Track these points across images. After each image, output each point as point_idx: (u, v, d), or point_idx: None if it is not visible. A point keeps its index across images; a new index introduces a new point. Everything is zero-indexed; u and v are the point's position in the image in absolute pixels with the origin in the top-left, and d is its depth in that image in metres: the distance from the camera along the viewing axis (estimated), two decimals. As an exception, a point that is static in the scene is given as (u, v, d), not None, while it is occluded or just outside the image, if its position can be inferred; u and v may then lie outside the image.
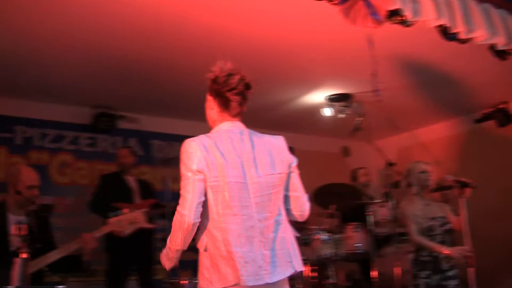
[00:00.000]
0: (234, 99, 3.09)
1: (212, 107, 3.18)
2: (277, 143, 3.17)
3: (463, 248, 5.18)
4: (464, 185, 5.29)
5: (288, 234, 3.07)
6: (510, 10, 5.21)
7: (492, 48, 5.29)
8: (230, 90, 3.08)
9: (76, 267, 4.74)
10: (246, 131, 3.14)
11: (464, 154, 8.81)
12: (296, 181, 3.18)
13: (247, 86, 3.12)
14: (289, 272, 3.01)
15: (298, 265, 3.04)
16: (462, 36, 4.79)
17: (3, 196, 4.57)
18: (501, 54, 5.41)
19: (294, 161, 3.18)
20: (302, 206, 3.20)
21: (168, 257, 3.21)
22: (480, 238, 8.00)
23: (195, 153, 2.94)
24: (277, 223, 3.03)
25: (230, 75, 3.10)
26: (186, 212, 2.91)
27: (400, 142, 9.53)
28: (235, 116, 3.15)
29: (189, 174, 2.94)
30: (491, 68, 6.43)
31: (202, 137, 3.03)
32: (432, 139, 9.28)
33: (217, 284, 2.89)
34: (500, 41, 5.02)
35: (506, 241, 8.11)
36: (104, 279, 6.57)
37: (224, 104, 3.12)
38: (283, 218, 3.08)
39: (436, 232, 5.40)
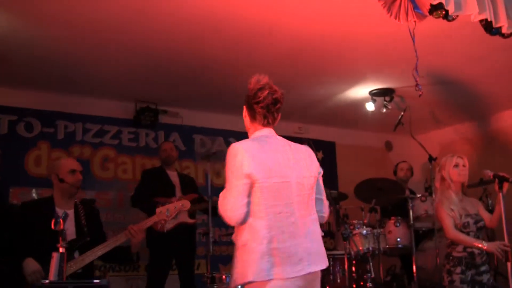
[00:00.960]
0: (260, 111, 3.26)
1: (245, 115, 3.38)
2: (308, 150, 3.37)
3: (502, 243, 5.15)
4: (503, 180, 5.25)
5: (320, 232, 3.25)
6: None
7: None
8: (257, 103, 3.25)
9: (126, 259, 4.83)
10: (280, 137, 3.31)
11: (506, 150, 8.70)
12: (322, 186, 3.40)
13: (275, 101, 3.26)
14: (322, 266, 3.17)
15: (326, 261, 3.22)
16: (505, 30, 4.73)
17: (50, 191, 4.67)
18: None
19: (320, 168, 3.38)
20: (326, 208, 3.41)
21: None
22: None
23: (242, 156, 3.11)
24: (313, 221, 3.22)
25: (260, 89, 3.27)
26: (229, 214, 3.12)
27: (442, 137, 9.45)
28: (264, 125, 3.31)
29: (236, 178, 3.13)
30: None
31: (247, 141, 3.24)
32: (475, 134, 9.20)
33: (251, 277, 2.98)
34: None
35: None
36: (145, 274, 6.65)
37: (252, 115, 3.31)
38: (316, 217, 3.26)
39: (471, 229, 5.37)
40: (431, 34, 5.58)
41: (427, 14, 4.11)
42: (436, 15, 4.41)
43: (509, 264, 5.08)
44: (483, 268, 5.30)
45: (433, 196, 6.45)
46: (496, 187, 5.21)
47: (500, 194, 5.18)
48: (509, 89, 7.71)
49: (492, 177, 5.30)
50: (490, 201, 7.22)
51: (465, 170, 5.46)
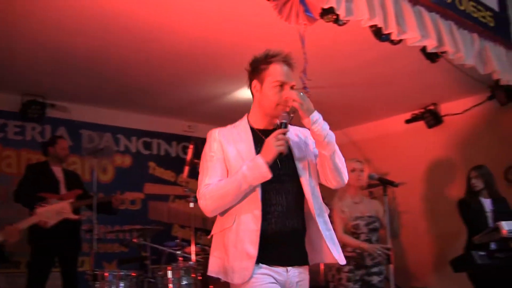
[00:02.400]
0: None
1: None
2: None
3: (382, 246, 5.36)
4: (387, 183, 5.47)
5: None
6: (441, 13, 5.36)
7: (423, 50, 5.42)
8: None
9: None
10: None
11: (395, 153, 9.00)
12: None
13: None
14: None
15: None
16: (394, 37, 4.88)
17: None
18: (431, 57, 5.56)
19: None
20: None
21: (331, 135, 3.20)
22: (410, 235, 8.33)
23: None
24: None
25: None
26: None
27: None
28: None
29: None
30: (422, 70, 6.57)
31: None
32: (365, 138, 9.44)
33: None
34: (431, 44, 5.13)
35: (433, 239, 8.36)
36: (26, 271, 6.48)
37: None
38: None
39: (362, 231, 5.55)
40: (322, 38, 5.67)
41: (318, 17, 4.18)
42: (327, 19, 4.49)
43: (391, 266, 5.30)
44: (374, 270, 5.48)
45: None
46: (381, 191, 5.43)
47: (386, 198, 5.39)
48: (387, 97, 8.01)
49: (377, 181, 5.51)
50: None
51: (363, 175, 5.65)
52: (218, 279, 3.11)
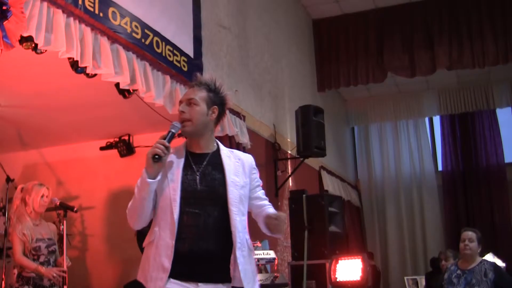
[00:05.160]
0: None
1: (215, 113, 3.61)
2: None
3: (59, 269, 5.67)
4: (67, 208, 5.80)
5: None
6: (137, 53, 5.79)
7: (117, 85, 5.79)
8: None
9: None
10: None
11: (88, 178, 9.19)
12: None
13: None
14: None
15: None
16: (90, 70, 5.18)
17: None
18: (123, 92, 5.96)
19: None
20: None
21: None
22: (94, 257, 8.57)
23: None
24: None
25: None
26: None
27: (26, 159, 9.57)
28: None
29: None
30: (116, 102, 6.82)
31: None
32: (60, 160, 9.50)
33: None
34: (123, 81, 5.51)
35: (117, 262, 8.67)
36: None
37: (218, 118, 3.64)
38: None
39: (42, 252, 5.75)
40: (22, 61, 5.73)
41: (15, 45, 4.32)
42: (26, 46, 4.68)
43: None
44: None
45: (5, 216, 6.62)
46: (61, 214, 5.74)
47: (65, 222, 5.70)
48: (82, 124, 8.26)
49: (58, 204, 5.80)
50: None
51: (46, 199, 5.85)
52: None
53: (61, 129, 8.65)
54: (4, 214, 6.98)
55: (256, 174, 3.61)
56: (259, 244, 5.67)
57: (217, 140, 3.62)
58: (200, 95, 3.45)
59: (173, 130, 3.37)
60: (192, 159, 3.47)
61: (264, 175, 9.21)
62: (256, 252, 5.41)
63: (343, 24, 12.90)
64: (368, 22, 12.65)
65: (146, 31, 5.96)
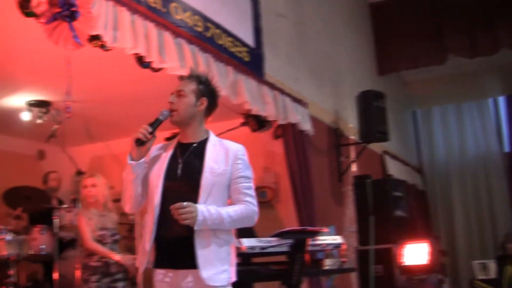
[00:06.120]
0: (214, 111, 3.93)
1: (204, 105, 3.72)
2: None
3: (133, 256, 5.85)
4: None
5: None
6: (200, 46, 5.91)
7: (181, 78, 5.92)
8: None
9: None
10: None
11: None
12: None
13: None
14: None
15: None
16: (155, 65, 5.34)
17: None
18: (188, 85, 6.08)
19: None
20: None
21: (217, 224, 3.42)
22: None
23: None
24: None
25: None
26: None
27: (93, 151, 9.83)
28: None
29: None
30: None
31: None
32: (126, 151, 9.69)
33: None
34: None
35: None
36: None
37: (210, 110, 3.80)
38: None
39: (107, 241, 5.94)
40: (89, 57, 5.92)
41: (85, 44, 4.50)
42: (94, 44, 4.86)
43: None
44: (118, 276, 5.88)
45: (79, 207, 6.87)
46: None
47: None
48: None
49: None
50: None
51: (95, 190, 6.00)
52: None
53: (126, 121, 8.86)
54: (75, 206, 7.23)
55: (241, 165, 3.58)
56: (326, 229, 5.72)
57: (209, 131, 3.72)
58: (190, 87, 3.62)
59: (160, 117, 3.56)
60: (180, 149, 3.61)
61: (327, 161, 9.30)
62: (323, 237, 5.48)
63: (401, 6, 12.76)
64: (427, 3, 12.48)
65: (207, 24, 6.11)
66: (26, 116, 8.03)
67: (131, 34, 4.91)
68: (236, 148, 3.63)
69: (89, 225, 5.93)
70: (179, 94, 3.60)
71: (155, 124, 3.51)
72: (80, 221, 5.96)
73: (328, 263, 5.78)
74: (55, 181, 8.22)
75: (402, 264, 7.35)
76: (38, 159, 9.95)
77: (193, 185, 3.46)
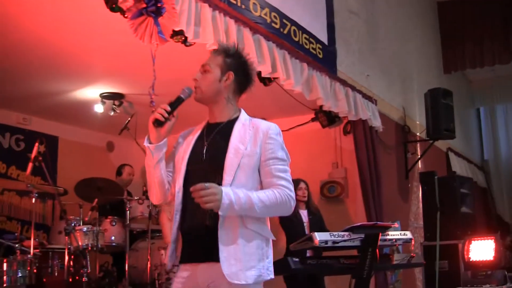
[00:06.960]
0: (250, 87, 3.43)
1: (230, 80, 3.25)
2: None
3: None
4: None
5: None
6: (277, 43, 5.93)
7: (258, 74, 5.95)
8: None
9: None
10: None
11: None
12: None
13: None
14: None
15: None
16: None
17: None
18: (264, 80, 6.13)
19: None
20: None
21: (246, 209, 2.93)
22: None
23: None
24: None
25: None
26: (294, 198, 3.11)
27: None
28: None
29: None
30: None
31: None
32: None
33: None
34: (265, 70, 5.68)
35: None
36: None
37: (242, 87, 3.34)
38: None
39: None
40: (168, 52, 5.98)
41: (169, 39, 4.56)
42: (176, 39, 4.92)
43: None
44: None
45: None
46: None
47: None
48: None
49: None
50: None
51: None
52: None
53: (199, 114, 8.94)
54: (147, 198, 7.31)
55: (272, 144, 3.08)
56: (396, 225, 5.68)
57: (242, 109, 3.29)
58: (216, 61, 3.19)
59: (181, 96, 3.17)
60: (206, 130, 3.23)
61: (395, 157, 9.27)
62: (393, 232, 5.44)
63: (468, 6, 12.61)
64: (494, 3, 12.31)
65: (284, 20, 6.14)
66: (99, 108, 8.17)
67: (211, 30, 4.94)
68: (267, 126, 3.13)
69: (170, 221, 5.99)
70: (204, 69, 3.20)
71: (176, 103, 3.12)
72: (162, 217, 6.00)
73: (396, 258, 5.74)
74: (129, 174, 8.33)
75: (468, 260, 7.28)
76: (107, 151, 10.11)
77: (217, 167, 3.02)
